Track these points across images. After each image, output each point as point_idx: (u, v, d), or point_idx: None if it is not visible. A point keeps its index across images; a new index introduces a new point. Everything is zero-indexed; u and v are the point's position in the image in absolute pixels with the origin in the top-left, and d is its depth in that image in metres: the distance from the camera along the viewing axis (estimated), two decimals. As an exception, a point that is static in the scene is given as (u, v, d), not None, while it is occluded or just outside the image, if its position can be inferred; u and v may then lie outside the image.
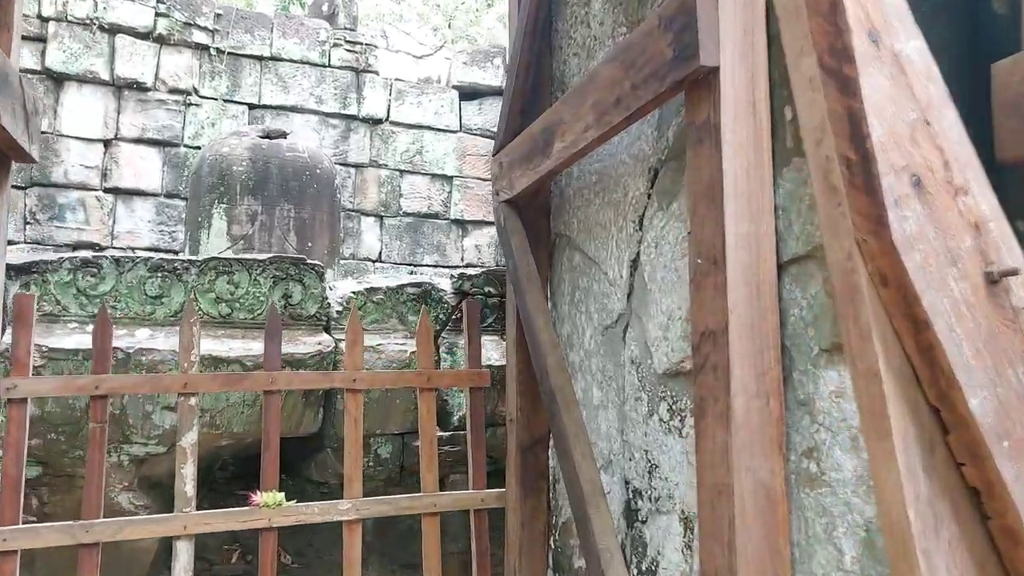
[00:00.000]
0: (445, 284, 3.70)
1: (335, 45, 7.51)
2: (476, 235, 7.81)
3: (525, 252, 1.98)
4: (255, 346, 3.16)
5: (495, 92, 7.92)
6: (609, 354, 1.81)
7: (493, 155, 2.25)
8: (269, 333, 2.68)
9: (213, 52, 7.08)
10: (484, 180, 7.83)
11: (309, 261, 3.41)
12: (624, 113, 1.43)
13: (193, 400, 2.58)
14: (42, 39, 6.54)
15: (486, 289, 3.66)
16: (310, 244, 4.37)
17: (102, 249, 6.62)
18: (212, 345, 3.08)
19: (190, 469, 2.42)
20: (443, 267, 7.63)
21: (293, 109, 7.33)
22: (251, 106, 7.21)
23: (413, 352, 3.47)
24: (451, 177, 7.78)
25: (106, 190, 6.71)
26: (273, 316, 2.73)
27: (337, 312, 3.47)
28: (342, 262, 6.88)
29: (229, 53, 7.14)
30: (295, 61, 7.37)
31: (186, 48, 7.02)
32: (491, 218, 7.63)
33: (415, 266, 7.57)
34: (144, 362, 2.91)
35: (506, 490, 2.07)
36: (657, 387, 1.56)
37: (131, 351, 2.90)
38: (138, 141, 6.82)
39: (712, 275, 1.20)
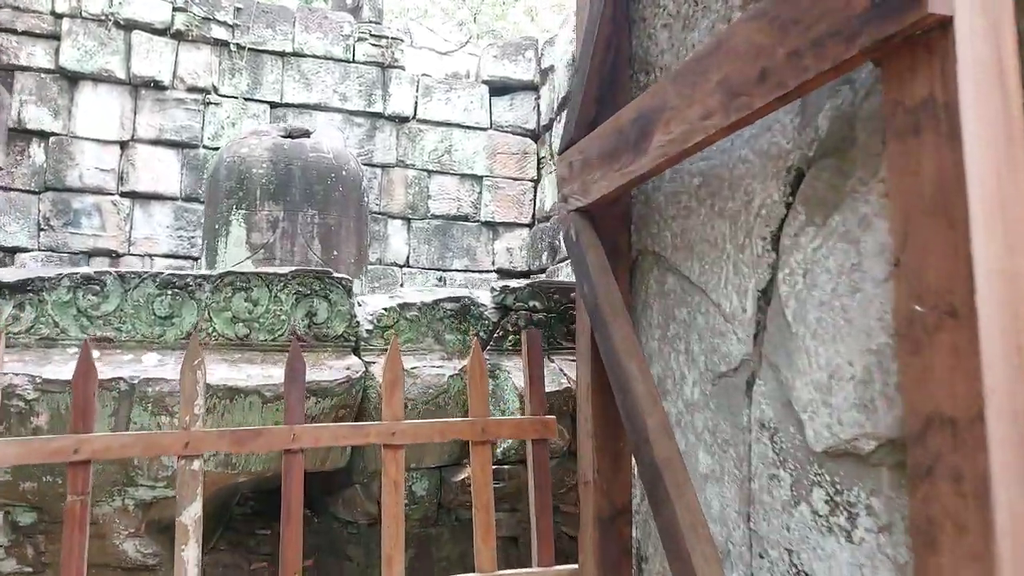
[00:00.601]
0: (485, 298, 3.31)
1: (360, 39, 7.15)
2: (508, 238, 7.42)
3: (605, 272, 1.57)
4: (276, 372, 2.79)
5: (527, 87, 7.51)
6: (723, 411, 1.40)
7: (559, 154, 1.85)
8: (290, 376, 2.26)
9: (233, 48, 6.76)
10: (516, 180, 7.44)
11: (336, 275, 3.03)
12: (775, 92, 1.02)
13: (196, 464, 2.10)
14: (56, 36, 6.26)
15: (531, 304, 3.27)
16: (336, 253, 4.01)
17: (119, 256, 6.34)
18: (227, 372, 2.72)
19: (192, 552, 1.95)
20: (473, 272, 7.26)
21: (316, 107, 6.99)
22: (273, 104, 6.88)
23: (452, 376, 3.09)
24: (481, 177, 7.40)
25: (123, 194, 6.42)
26: (295, 357, 2.31)
27: (367, 331, 3.09)
28: (368, 268, 6.53)
29: (250, 49, 6.81)
30: (318, 57, 7.03)
31: (205, 44, 6.70)
32: (524, 220, 7.24)
33: (444, 271, 7.20)
34: (150, 394, 2.55)
35: (579, 568, 1.68)
36: (808, 466, 1.15)
37: (135, 382, 2.54)
38: (156, 142, 6.52)
39: (948, 331, 0.79)
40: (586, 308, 1.66)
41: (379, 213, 7.06)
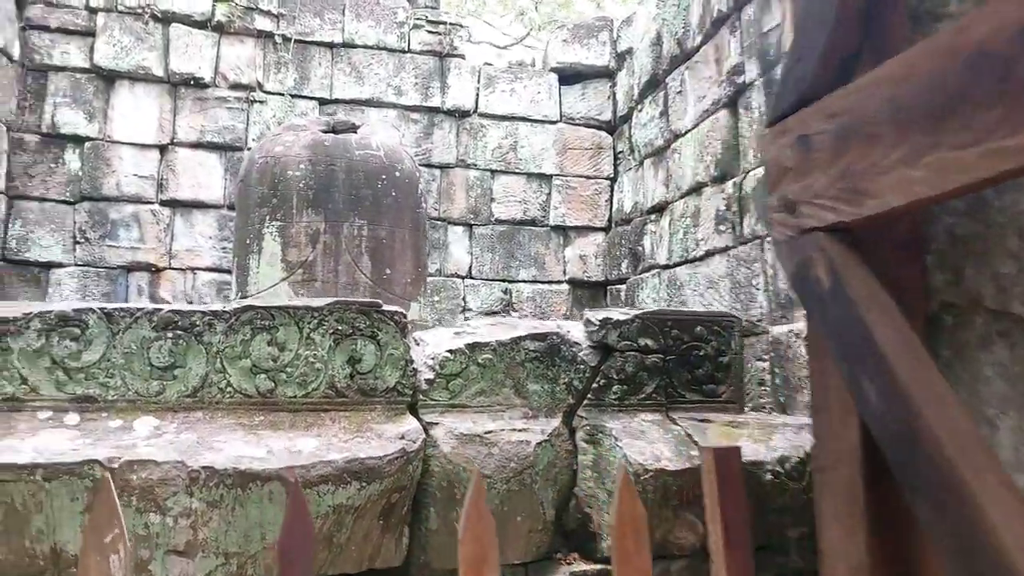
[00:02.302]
0: (578, 333, 2.54)
1: (416, 26, 6.47)
2: (580, 243, 6.62)
3: (920, 365, 0.79)
4: (306, 444, 2.08)
5: (601, 73, 6.70)
6: None
7: (770, 125, 1.05)
8: (288, 549, 1.46)
9: (278, 40, 6.17)
10: (589, 178, 6.64)
11: (386, 308, 2.31)
12: None
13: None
14: (90, 33, 5.77)
15: (642, 342, 2.47)
16: (388, 271, 3.30)
17: (159, 271, 5.81)
18: (240, 448, 2.01)
19: None
20: (541, 282, 6.49)
21: (369, 103, 6.35)
22: (322, 101, 6.26)
23: (541, 443, 2.32)
24: (550, 176, 6.62)
25: (163, 203, 5.90)
26: (298, 511, 1.58)
27: (427, 381, 2.36)
28: (427, 279, 5.82)
29: (296, 40, 6.21)
30: (370, 47, 6.38)
31: (248, 37, 6.13)
32: (598, 223, 6.46)
33: (509, 282, 6.46)
34: (135, 483, 1.86)
35: None
36: None
37: (116, 465, 1.86)
38: (196, 146, 5.97)
39: None
40: (870, 384, 0.86)
41: (438, 219, 6.37)
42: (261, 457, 2.00)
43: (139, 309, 2.17)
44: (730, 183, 4.52)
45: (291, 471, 1.90)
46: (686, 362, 2.49)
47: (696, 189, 4.97)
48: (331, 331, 2.27)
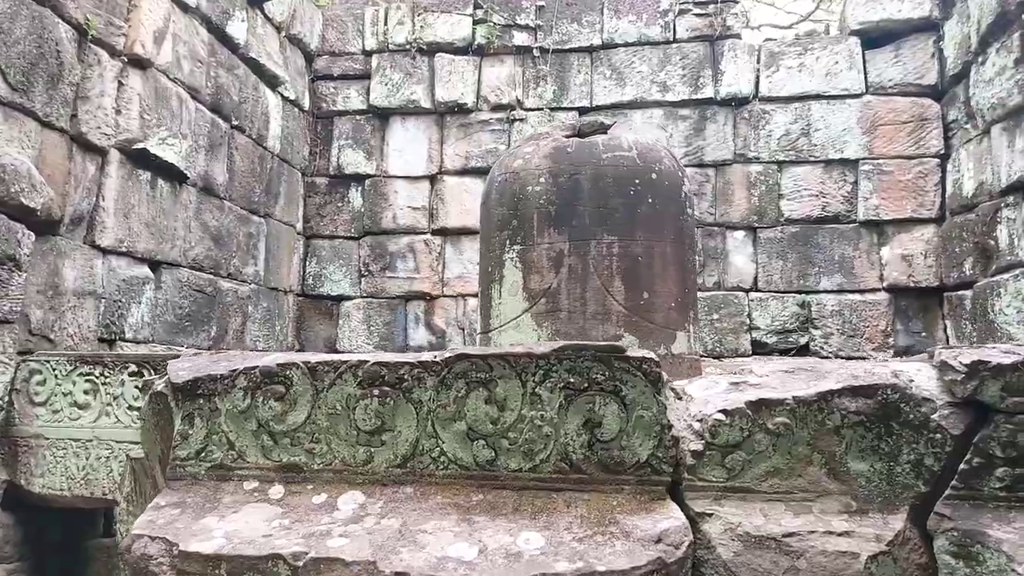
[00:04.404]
0: (927, 381, 1.68)
1: (681, 12, 5.79)
2: (902, 240, 5.30)
3: None
4: (529, 544, 1.57)
5: (919, 27, 5.36)
6: None
7: None
8: None
9: (536, 53, 5.93)
10: (910, 159, 5.32)
11: (632, 354, 1.71)
12: None
13: None
14: (366, 75, 6.09)
15: (1046, 400, 1.53)
16: (646, 295, 2.69)
17: (433, 299, 5.88)
18: (448, 544, 1.56)
19: None
20: (850, 292, 5.32)
21: (631, 105, 5.81)
22: (581, 111, 5.89)
23: (874, 557, 1.53)
24: (855, 161, 5.43)
25: (434, 232, 5.98)
26: None
27: (694, 453, 1.70)
28: (700, 297, 5.07)
29: (554, 51, 5.91)
30: (631, 44, 5.85)
31: (507, 55, 5.99)
32: (926, 213, 5.17)
33: (807, 293, 5.40)
34: (319, 589, 1.50)
35: None
36: None
37: (301, 563, 1.51)
38: (462, 172, 5.96)
39: None
40: None
41: (714, 224, 5.57)
42: (469, 561, 1.52)
43: (343, 362, 1.85)
44: None
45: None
46: None
47: (1084, 155, 3.55)
48: (561, 385, 1.73)
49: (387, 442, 1.80)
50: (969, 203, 4.79)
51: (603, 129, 3.10)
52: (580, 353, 1.73)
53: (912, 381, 1.65)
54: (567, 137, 3.01)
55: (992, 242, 4.44)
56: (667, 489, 1.69)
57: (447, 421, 1.78)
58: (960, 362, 1.60)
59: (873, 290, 5.31)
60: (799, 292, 5.41)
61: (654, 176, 2.80)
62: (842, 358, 5.16)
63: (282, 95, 5.60)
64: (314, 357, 1.89)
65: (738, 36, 5.77)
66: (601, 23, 5.91)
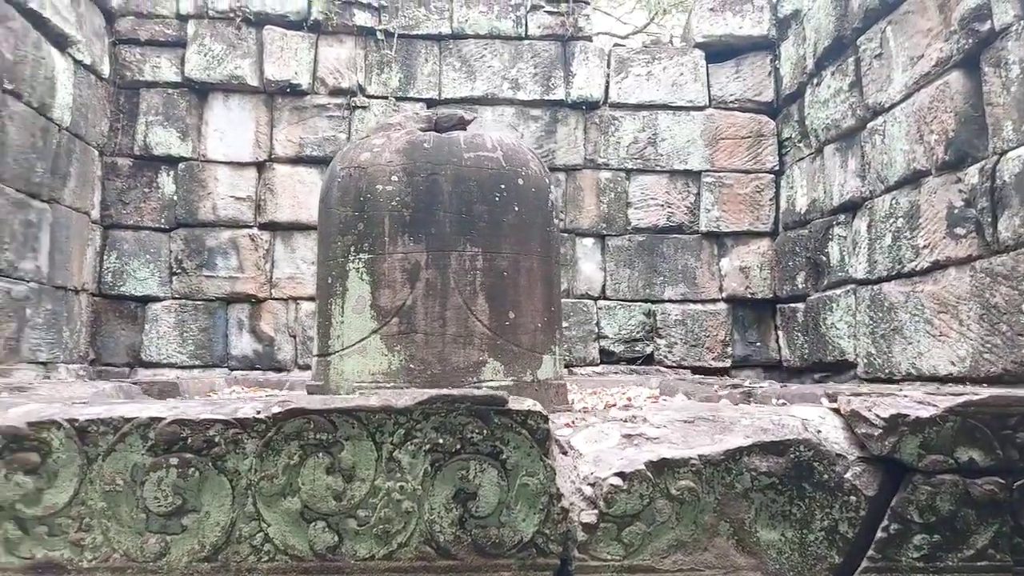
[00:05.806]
0: (839, 436, 1.50)
1: (533, 7, 5.58)
2: (740, 252, 5.46)
3: None
4: (384, 669, 1.18)
5: (759, 45, 5.54)
6: None
7: None
8: None
9: (380, 36, 5.46)
10: (747, 172, 5.48)
11: (514, 407, 1.39)
12: None
13: None
14: (181, 43, 5.30)
15: (963, 456, 1.41)
16: (512, 314, 2.39)
17: (259, 302, 5.23)
18: None
19: None
20: (693, 302, 5.40)
21: (482, 100, 5.52)
22: (429, 103, 5.50)
23: (793, 649, 1.31)
24: (698, 172, 5.52)
25: (261, 226, 5.33)
26: None
27: (585, 526, 1.41)
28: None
29: (400, 36, 5.47)
30: (482, 36, 5.55)
31: (347, 36, 5.46)
32: (762, 226, 5.33)
33: (653, 302, 5.41)
34: None
35: None
36: None
37: None
38: (296, 161, 5.37)
39: None
40: None
41: (565, 231, 5.44)
42: None
43: (126, 420, 1.36)
44: (973, 169, 3.29)
45: None
46: (1056, 497, 1.39)
47: (911, 180, 3.75)
48: (427, 447, 1.37)
49: (190, 527, 1.35)
50: (802, 219, 5.01)
51: (462, 124, 2.76)
52: (452, 407, 1.38)
53: (825, 439, 1.47)
54: (423, 131, 2.64)
55: (824, 258, 4.65)
56: (555, 573, 1.39)
57: (274, 497, 1.35)
58: (877, 415, 1.43)
59: (714, 300, 5.42)
60: (645, 301, 5.41)
61: (521, 182, 2.50)
62: (685, 368, 5.22)
63: (73, 58, 4.70)
64: (84, 412, 1.38)
65: (589, 39, 5.66)
66: (451, 11, 5.55)
